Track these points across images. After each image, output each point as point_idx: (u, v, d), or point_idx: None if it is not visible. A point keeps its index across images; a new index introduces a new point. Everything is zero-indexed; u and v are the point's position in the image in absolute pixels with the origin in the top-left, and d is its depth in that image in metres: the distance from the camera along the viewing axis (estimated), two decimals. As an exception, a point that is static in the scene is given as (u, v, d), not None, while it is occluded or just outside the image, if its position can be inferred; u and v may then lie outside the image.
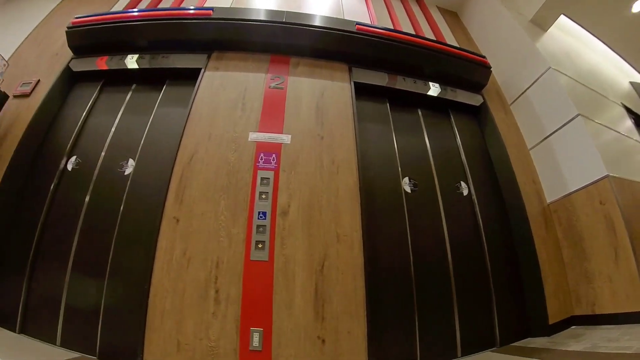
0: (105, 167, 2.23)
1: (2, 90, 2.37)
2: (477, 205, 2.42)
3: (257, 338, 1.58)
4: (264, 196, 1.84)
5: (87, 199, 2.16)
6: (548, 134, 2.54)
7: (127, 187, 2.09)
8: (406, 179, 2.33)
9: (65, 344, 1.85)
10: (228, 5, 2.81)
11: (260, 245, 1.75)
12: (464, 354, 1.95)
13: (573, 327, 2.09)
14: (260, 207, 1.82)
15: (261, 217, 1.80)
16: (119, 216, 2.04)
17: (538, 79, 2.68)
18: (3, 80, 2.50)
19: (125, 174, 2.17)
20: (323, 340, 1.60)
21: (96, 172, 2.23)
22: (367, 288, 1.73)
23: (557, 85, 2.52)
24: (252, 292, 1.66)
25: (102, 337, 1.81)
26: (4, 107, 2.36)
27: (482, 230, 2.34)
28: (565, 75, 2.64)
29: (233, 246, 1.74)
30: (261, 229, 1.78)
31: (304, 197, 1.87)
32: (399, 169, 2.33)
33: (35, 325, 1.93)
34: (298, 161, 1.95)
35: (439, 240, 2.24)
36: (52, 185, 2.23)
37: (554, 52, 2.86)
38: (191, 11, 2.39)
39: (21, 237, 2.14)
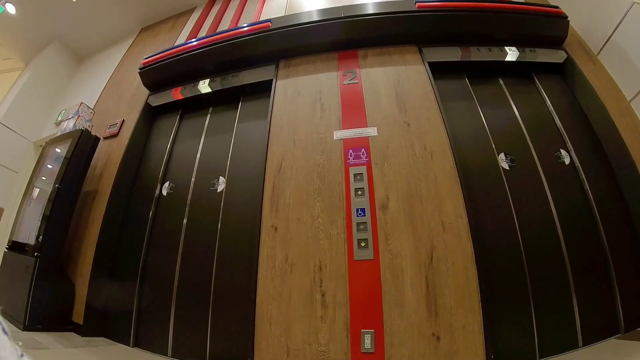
0: (198, 188, 2.34)
1: (93, 134, 2.62)
2: (582, 173, 2.11)
3: (369, 340, 1.51)
4: (359, 192, 1.77)
5: (185, 218, 2.28)
6: (648, 79, 2.15)
7: (222, 203, 2.17)
8: (502, 155, 2.12)
9: (176, 355, 1.96)
10: (283, 14, 2.85)
11: (363, 244, 1.68)
12: (586, 343, 1.69)
13: None
14: (358, 204, 1.75)
15: (360, 214, 1.73)
16: (218, 231, 2.11)
17: (623, 19, 2.27)
18: (92, 125, 2.78)
19: (218, 191, 2.25)
20: (438, 338, 1.48)
21: (190, 193, 2.35)
22: (479, 278, 1.57)
23: (647, 22, 2.12)
24: (359, 292, 1.59)
25: (211, 347, 1.88)
26: (97, 149, 2.62)
27: (592, 200, 2.02)
28: (654, 7, 2.23)
29: (334, 247, 1.69)
30: (362, 226, 1.71)
31: (401, 188, 1.77)
32: (493, 146, 2.12)
33: (147, 339, 2.07)
34: (388, 152, 1.86)
35: (547, 217, 1.98)
36: (151, 211, 2.40)
37: (633, -16, 2.44)
38: (250, 27, 2.44)
39: (128, 262, 2.33)
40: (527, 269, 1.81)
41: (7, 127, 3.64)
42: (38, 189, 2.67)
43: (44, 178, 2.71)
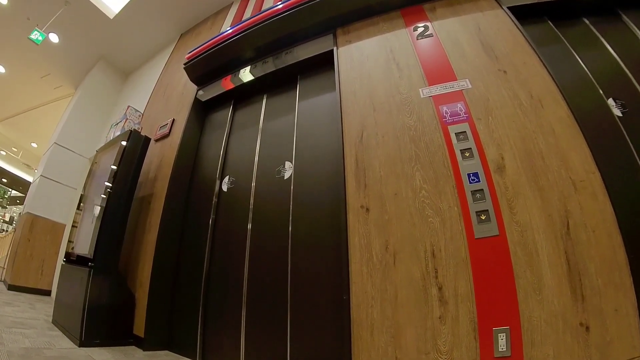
0: (262, 177, 2.14)
1: (143, 135, 2.50)
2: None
3: (504, 340, 1.17)
4: (467, 154, 1.46)
5: (250, 215, 2.06)
6: None
7: (292, 191, 1.93)
8: (611, 101, 1.76)
9: (250, 369, 1.69)
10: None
11: (483, 217, 1.34)
12: None
13: None
14: (468, 168, 1.44)
15: (473, 179, 1.41)
16: (290, 223, 1.86)
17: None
18: (141, 128, 2.69)
19: (285, 178, 2.03)
20: (587, 327, 1.14)
21: (253, 184, 2.15)
22: (626, 245, 1.23)
23: None
24: (486, 280, 1.26)
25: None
26: (149, 151, 2.49)
27: None
28: None
29: (448, 225, 1.37)
30: (478, 194, 1.38)
31: (515, 144, 1.45)
32: (600, 91, 1.78)
33: (216, 351, 1.86)
34: (490, 104, 1.56)
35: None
36: (212, 210, 2.21)
37: None
38: (297, -2, 2.24)
39: (191, 267, 2.14)
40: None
41: (63, 146, 3.71)
42: (91, 198, 2.58)
43: (98, 190, 2.61)
